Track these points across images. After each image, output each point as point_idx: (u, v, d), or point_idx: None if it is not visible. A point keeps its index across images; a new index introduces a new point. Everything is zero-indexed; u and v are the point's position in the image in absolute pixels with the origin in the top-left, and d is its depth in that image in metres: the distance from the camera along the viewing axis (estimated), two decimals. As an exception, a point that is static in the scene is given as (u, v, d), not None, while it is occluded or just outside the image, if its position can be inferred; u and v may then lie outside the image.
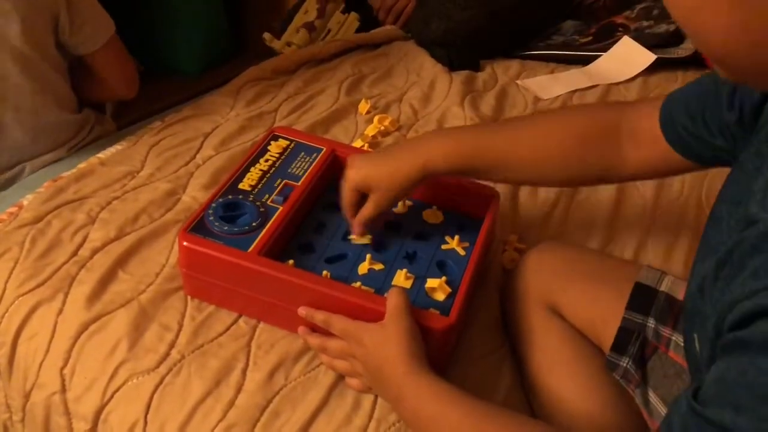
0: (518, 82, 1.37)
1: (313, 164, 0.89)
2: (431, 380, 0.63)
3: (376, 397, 0.72)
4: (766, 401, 0.37)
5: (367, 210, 0.80)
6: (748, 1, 0.38)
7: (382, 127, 1.15)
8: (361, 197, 0.80)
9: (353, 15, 1.68)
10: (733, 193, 0.53)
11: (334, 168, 0.92)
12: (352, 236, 0.83)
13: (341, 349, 0.71)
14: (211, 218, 0.78)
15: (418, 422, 0.63)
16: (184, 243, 0.76)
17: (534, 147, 0.76)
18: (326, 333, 0.73)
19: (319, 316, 0.72)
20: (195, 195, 0.96)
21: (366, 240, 0.83)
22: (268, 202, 0.82)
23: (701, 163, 0.69)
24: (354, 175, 0.79)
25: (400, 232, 0.86)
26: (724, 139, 0.63)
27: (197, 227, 0.77)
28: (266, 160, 0.89)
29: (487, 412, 0.60)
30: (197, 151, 1.07)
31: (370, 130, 1.13)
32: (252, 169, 0.87)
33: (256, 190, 0.84)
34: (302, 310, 0.73)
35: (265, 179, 0.86)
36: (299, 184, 0.86)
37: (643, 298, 0.73)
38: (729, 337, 0.41)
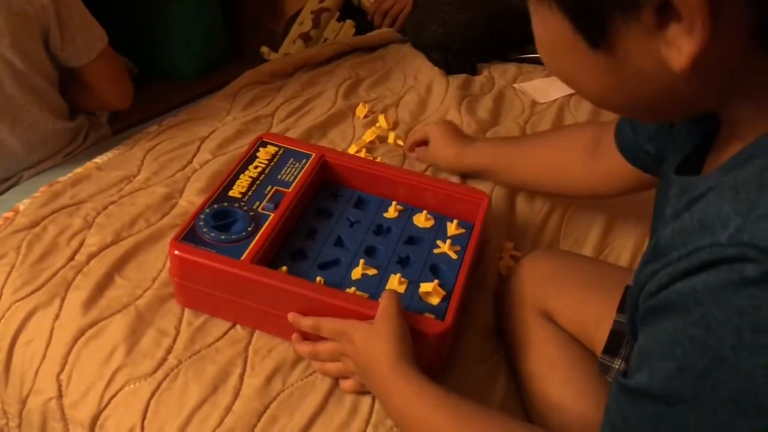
0: (515, 85, 1.37)
1: (303, 170, 0.89)
2: (417, 381, 0.63)
3: (373, 401, 0.72)
4: (671, 359, 0.39)
5: (417, 154, 1.09)
6: (614, 71, 0.44)
7: (380, 132, 1.15)
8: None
9: (349, 22, 1.69)
10: (659, 203, 0.55)
11: (324, 173, 0.93)
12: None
13: (333, 350, 0.71)
14: (203, 227, 0.78)
15: (404, 422, 0.64)
16: (176, 252, 0.75)
17: (539, 157, 0.94)
18: (317, 340, 0.73)
19: (307, 322, 0.72)
20: (192, 199, 0.96)
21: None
22: (260, 210, 0.82)
23: (647, 171, 0.77)
24: (431, 132, 1.06)
25: (392, 236, 0.86)
26: (653, 146, 0.71)
27: (188, 236, 0.77)
28: (255, 167, 0.89)
29: (472, 414, 0.60)
30: (194, 155, 1.07)
31: (368, 135, 1.13)
32: (241, 176, 0.87)
33: (247, 197, 0.84)
34: (290, 317, 0.73)
35: (255, 186, 0.86)
36: (290, 190, 0.86)
37: None
38: (642, 309, 0.44)
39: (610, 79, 0.44)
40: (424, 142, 1.07)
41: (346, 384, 0.72)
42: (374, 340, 0.66)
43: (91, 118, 1.21)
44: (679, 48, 0.39)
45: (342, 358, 0.71)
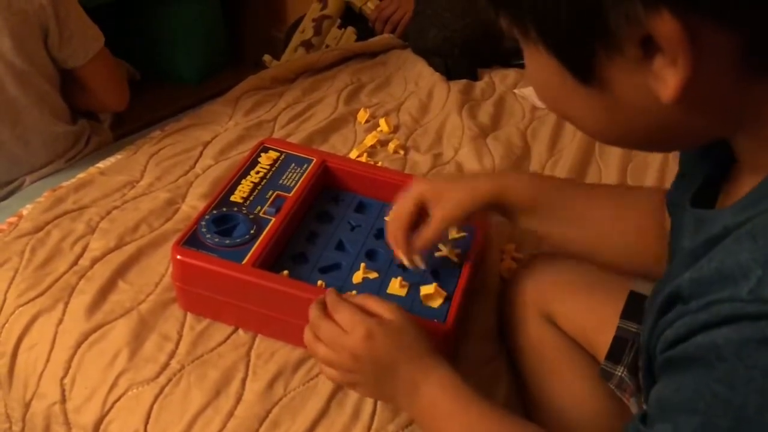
0: (516, 90, 1.37)
1: (304, 175, 0.90)
2: (448, 374, 0.62)
3: (375, 406, 0.72)
4: (695, 415, 0.39)
5: (430, 230, 0.73)
6: (607, 106, 0.43)
7: (381, 136, 1.15)
8: (417, 220, 0.75)
9: (350, 29, 1.69)
10: (675, 225, 0.54)
11: (324, 178, 0.93)
12: (405, 262, 0.75)
13: (333, 337, 0.66)
14: (205, 231, 0.78)
15: (432, 417, 0.62)
16: (178, 257, 0.76)
17: (600, 227, 0.73)
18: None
19: (331, 297, 0.67)
20: (194, 204, 0.97)
21: (422, 265, 0.76)
22: (261, 214, 0.83)
23: None
24: (422, 185, 0.74)
25: None
26: None
27: (190, 240, 0.77)
28: (257, 172, 0.90)
29: (501, 417, 0.60)
30: (196, 161, 1.07)
31: (369, 140, 1.14)
32: (243, 181, 0.88)
33: (248, 202, 0.84)
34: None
35: (256, 191, 0.86)
36: (291, 195, 0.86)
37: (637, 306, 0.73)
38: (660, 359, 0.43)
39: (604, 113, 0.44)
40: (416, 219, 0.75)
41: (331, 372, 0.68)
42: (401, 336, 0.64)
43: (92, 123, 1.22)
44: (665, 80, 0.39)
45: (339, 348, 0.65)
